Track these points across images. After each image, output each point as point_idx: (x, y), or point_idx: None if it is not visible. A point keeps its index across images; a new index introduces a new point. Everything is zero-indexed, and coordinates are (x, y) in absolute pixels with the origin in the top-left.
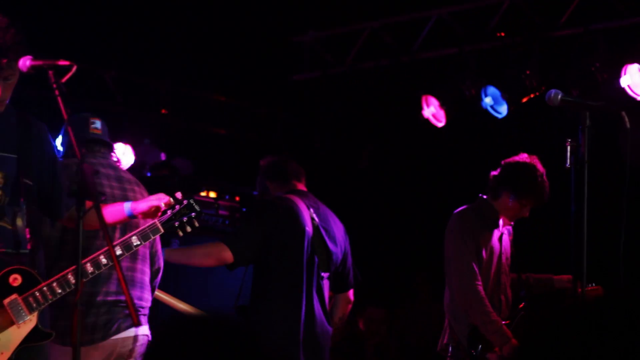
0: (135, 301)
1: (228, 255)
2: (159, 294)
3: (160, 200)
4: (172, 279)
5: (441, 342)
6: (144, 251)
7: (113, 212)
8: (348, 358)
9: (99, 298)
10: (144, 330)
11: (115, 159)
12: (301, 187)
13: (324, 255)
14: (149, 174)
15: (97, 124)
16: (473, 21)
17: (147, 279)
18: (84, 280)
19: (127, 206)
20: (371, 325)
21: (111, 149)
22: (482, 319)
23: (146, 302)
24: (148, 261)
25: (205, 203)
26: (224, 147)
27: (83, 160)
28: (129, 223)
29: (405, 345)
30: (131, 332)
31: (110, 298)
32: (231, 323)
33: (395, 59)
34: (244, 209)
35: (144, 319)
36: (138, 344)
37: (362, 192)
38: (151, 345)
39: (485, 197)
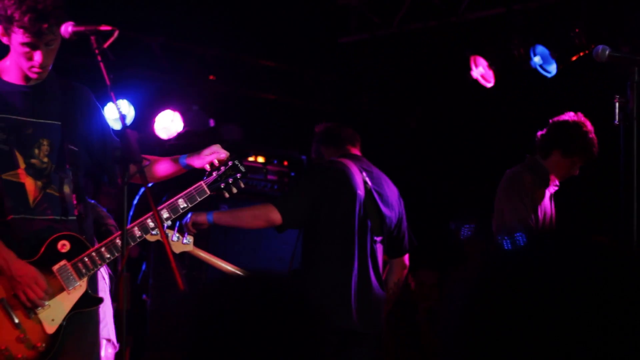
0: None
1: (276, 217)
2: (201, 253)
3: (214, 154)
4: (221, 244)
5: None
6: None
7: (169, 164)
8: (400, 321)
9: None
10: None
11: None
12: (355, 151)
13: (376, 218)
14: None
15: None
16: None
17: None
18: (133, 244)
19: (182, 159)
20: (423, 289)
21: None
22: None
23: None
24: None
25: (254, 168)
26: (272, 112)
27: (126, 126)
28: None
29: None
30: None
31: None
32: (278, 280)
33: (442, 20)
34: (293, 174)
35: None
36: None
37: (411, 155)
38: (197, 304)
39: (534, 156)
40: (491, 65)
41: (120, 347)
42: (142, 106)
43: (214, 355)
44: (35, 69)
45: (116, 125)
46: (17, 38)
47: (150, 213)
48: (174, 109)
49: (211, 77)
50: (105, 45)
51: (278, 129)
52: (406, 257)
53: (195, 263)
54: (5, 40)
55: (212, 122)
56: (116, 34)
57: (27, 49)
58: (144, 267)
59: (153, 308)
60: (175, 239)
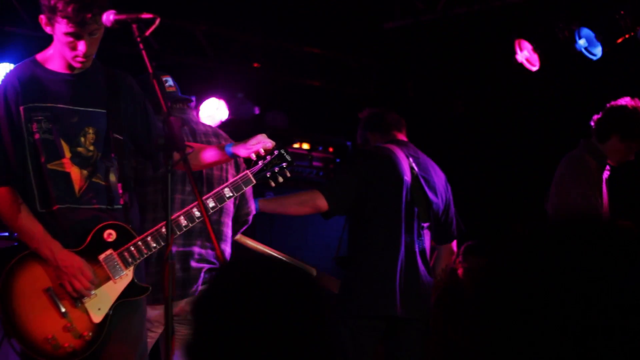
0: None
1: (323, 203)
2: (248, 241)
3: (260, 144)
4: (267, 231)
5: None
6: (229, 204)
7: (215, 153)
8: (447, 308)
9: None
10: None
11: (193, 113)
12: (401, 137)
13: (423, 204)
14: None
15: (170, 81)
16: None
17: (230, 232)
18: (179, 233)
19: (228, 147)
20: (471, 275)
21: (188, 103)
22: None
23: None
24: (231, 214)
25: (299, 155)
26: (316, 98)
27: (169, 114)
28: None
29: None
30: None
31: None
32: (301, 275)
33: (487, 4)
34: (338, 160)
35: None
36: None
37: (457, 140)
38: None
39: (590, 140)
40: (536, 48)
41: (167, 334)
42: (186, 94)
43: (250, 341)
44: (79, 59)
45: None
46: (61, 28)
47: (196, 202)
48: (219, 97)
49: (255, 65)
50: (147, 33)
51: (323, 115)
52: (454, 244)
53: (241, 251)
54: (48, 30)
55: (257, 110)
56: (157, 21)
57: (70, 39)
58: None
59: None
60: None
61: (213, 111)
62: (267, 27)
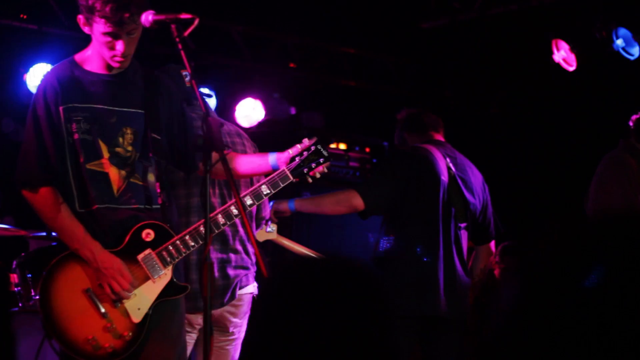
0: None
1: (359, 202)
2: (285, 241)
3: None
4: (304, 231)
5: None
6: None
7: (255, 163)
8: (483, 308)
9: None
10: (251, 288)
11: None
12: (439, 137)
13: (460, 205)
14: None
15: (189, 76)
16: None
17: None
18: (217, 231)
19: (272, 158)
20: (508, 275)
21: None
22: None
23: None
24: (254, 218)
25: (336, 155)
26: (353, 98)
27: (208, 114)
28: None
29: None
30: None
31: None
32: (357, 265)
33: (524, 3)
34: (375, 160)
35: (251, 278)
36: (242, 302)
37: (494, 140)
38: (274, 289)
39: (629, 140)
40: (573, 48)
41: (205, 334)
42: (223, 94)
43: (294, 339)
44: (118, 58)
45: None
46: (99, 28)
47: (234, 200)
48: (255, 97)
49: (292, 65)
50: (186, 33)
51: (359, 115)
52: (492, 244)
53: (277, 251)
54: (87, 30)
55: (293, 110)
56: (196, 22)
57: (109, 39)
58: None
59: None
60: (258, 227)
61: (249, 111)
62: (304, 28)
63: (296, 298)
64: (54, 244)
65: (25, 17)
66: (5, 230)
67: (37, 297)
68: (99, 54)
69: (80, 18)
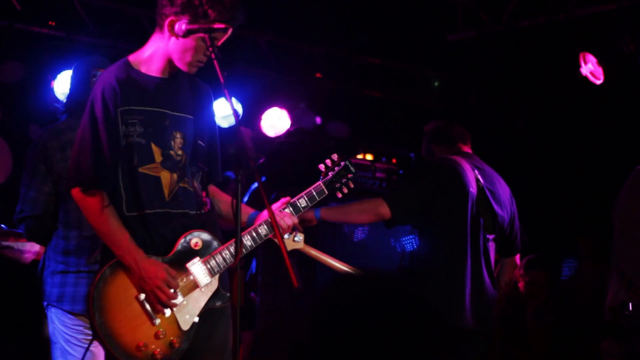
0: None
1: (386, 211)
2: (312, 251)
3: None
4: (330, 241)
5: (613, 300)
6: None
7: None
8: (508, 321)
9: None
10: None
11: None
12: (467, 149)
13: (489, 216)
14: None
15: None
16: None
17: None
18: (260, 242)
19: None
20: (532, 289)
21: None
22: None
23: None
24: None
25: (362, 166)
26: (379, 109)
27: (240, 123)
28: None
29: (565, 308)
30: None
31: None
32: (393, 281)
33: (551, 17)
34: (401, 171)
35: None
36: None
37: (519, 152)
38: (315, 304)
39: None
40: (601, 62)
41: (235, 344)
42: (249, 104)
43: (329, 354)
44: (201, 64)
45: (225, 123)
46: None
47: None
48: (281, 107)
49: (318, 75)
50: (219, 43)
51: (385, 126)
52: (518, 257)
53: (304, 260)
54: (165, 31)
55: (319, 120)
56: (230, 32)
57: (202, 44)
58: (253, 264)
59: (262, 305)
60: (286, 236)
61: (275, 121)
62: (330, 38)
63: (334, 314)
64: None
65: (53, 24)
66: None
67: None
68: (166, 56)
69: (173, 19)
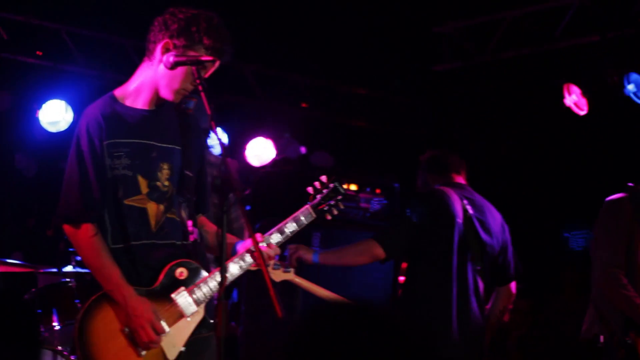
0: None
1: (379, 252)
2: (302, 282)
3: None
4: (313, 270)
5: (586, 332)
6: None
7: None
8: (490, 348)
9: None
10: None
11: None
12: (459, 179)
13: (477, 247)
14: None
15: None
16: (615, 7)
17: None
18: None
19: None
20: (516, 317)
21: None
22: (627, 304)
23: None
24: None
25: (347, 196)
26: (364, 139)
27: (227, 155)
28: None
29: (548, 337)
30: None
31: None
32: (376, 309)
33: (536, 48)
34: (385, 201)
35: None
36: None
37: (503, 182)
38: (296, 332)
39: (638, 186)
40: (585, 93)
41: None
42: (234, 133)
43: None
44: (186, 92)
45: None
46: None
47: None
48: (266, 136)
49: (303, 105)
50: (206, 75)
51: (370, 156)
52: (513, 285)
53: (288, 289)
54: (155, 56)
55: (303, 150)
56: (217, 64)
57: (190, 73)
58: (234, 293)
59: (245, 334)
60: (276, 267)
61: (260, 150)
62: (316, 68)
63: (317, 343)
64: (63, 279)
65: (40, 53)
66: (14, 266)
67: (75, 334)
68: (153, 87)
69: (169, 43)
